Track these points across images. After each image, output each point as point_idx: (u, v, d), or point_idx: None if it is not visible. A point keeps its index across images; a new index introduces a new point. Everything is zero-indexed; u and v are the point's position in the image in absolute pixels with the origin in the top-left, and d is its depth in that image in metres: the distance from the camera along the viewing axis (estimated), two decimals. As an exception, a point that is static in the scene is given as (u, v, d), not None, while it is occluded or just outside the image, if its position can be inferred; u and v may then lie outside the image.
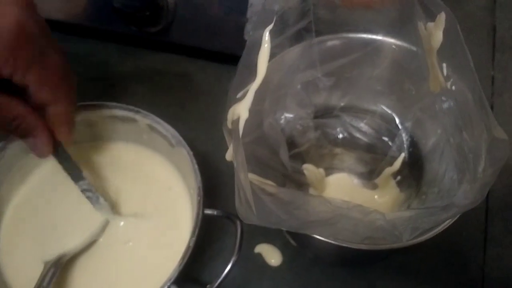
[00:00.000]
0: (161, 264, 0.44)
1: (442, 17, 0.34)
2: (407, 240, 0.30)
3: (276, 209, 0.34)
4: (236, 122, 0.34)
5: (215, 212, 0.43)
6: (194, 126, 0.58)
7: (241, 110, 0.34)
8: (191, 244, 0.40)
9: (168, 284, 0.39)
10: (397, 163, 0.47)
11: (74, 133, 0.45)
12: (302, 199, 0.35)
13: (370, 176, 0.50)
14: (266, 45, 0.34)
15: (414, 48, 0.42)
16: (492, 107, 0.58)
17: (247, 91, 0.35)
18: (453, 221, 0.36)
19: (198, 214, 0.42)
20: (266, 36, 0.34)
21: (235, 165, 0.32)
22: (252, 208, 0.33)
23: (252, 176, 0.37)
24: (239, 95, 0.34)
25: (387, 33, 0.43)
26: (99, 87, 0.61)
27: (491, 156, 0.31)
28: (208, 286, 0.41)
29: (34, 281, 0.42)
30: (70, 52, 0.63)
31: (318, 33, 0.43)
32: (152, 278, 0.44)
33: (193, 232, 0.41)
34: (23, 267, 0.45)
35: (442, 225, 0.36)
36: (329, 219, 0.30)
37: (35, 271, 0.43)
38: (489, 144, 0.31)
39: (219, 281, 0.41)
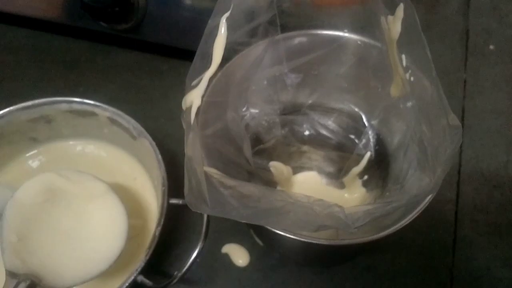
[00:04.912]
0: (128, 254, 0.44)
1: (400, 8, 0.34)
2: (356, 227, 0.29)
3: (234, 201, 0.33)
4: (189, 109, 0.33)
5: (180, 201, 0.43)
6: (164, 125, 0.57)
7: (194, 97, 0.33)
8: (157, 234, 0.41)
9: (135, 274, 0.39)
10: (363, 162, 0.46)
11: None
12: (261, 193, 0.34)
13: (338, 175, 0.49)
14: (222, 32, 0.34)
15: (379, 45, 0.42)
16: (463, 110, 0.58)
17: (201, 79, 0.34)
18: (414, 216, 0.35)
19: (163, 204, 0.42)
20: (223, 23, 0.33)
21: (186, 152, 0.31)
22: (206, 199, 0.32)
23: (211, 170, 0.36)
24: (194, 83, 0.34)
25: (353, 30, 0.43)
26: (69, 84, 0.61)
27: (446, 144, 0.30)
28: (175, 272, 0.41)
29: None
30: (42, 49, 0.64)
31: (284, 28, 0.42)
32: (118, 267, 0.43)
33: (159, 221, 0.41)
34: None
35: (404, 220, 0.35)
36: (281, 208, 0.30)
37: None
38: (445, 132, 0.31)
39: (186, 267, 0.41)
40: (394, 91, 0.42)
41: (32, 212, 0.40)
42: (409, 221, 0.35)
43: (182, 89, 0.60)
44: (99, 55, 0.64)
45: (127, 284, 0.39)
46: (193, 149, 0.32)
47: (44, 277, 0.38)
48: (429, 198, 0.34)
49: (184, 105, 0.34)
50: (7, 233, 0.39)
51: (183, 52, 0.60)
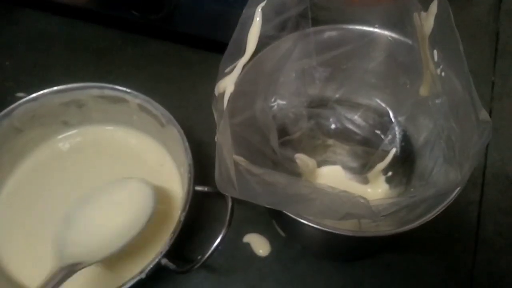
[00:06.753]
0: (153, 238, 0.46)
1: (434, 3, 0.34)
2: (382, 215, 0.29)
3: (260, 188, 0.33)
4: (221, 95, 0.34)
5: (205, 189, 0.44)
6: (192, 114, 0.58)
7: (227, 83, 0.34)
8: (182, 219, 0.41)
9: (159, 257, 0.40)
10: (388, 158, 0.47)
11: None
12: (287, 181, 0.34)
13: (361, 170, 0.50)
14: (257, 20, 0.34)
15: (409, 42, 0.42)
16: (490, 112, 0.58)
17: (235, 66, 0.35)
18: (438, 212, 0.35)
19: (188, 190, 0.43)
20: (258, 12, 0.34)
21: (217, 138, 0.32)
22: (234, 184, 0.33)
23: (238, 158, 0.37)
24: (227, 70, 0.35)
25: (384, 25, 0.43)
26: (99, 71, 0.62)
27: (475, 139, 0.30)
28: (199, 257, 0.42)
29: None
30: (74, 36, 0.66)
31: (314, 21, 0.43)
32: (143, 251, 0.45)
33: (184, 207, 0.42)
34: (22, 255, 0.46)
35: (429, 215, 0.35)
36: (307, 194, 0.30)
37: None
38: (474, 128, 0.31)
39: (209, 252, 0.41)
40: (424, 90, 0.42)
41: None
42: (433, 216, 0.35)
43: (210, 80, 0.61)
44: (130, 44, 0.65)
45: (151, 266, 0.39)
46: (223, 136, 0.32)
47: (80, 259, 0.40)
48: (455, 193, 0.34)
49: (216, 91, 0.35)
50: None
51: (213, 43, 0.60)
